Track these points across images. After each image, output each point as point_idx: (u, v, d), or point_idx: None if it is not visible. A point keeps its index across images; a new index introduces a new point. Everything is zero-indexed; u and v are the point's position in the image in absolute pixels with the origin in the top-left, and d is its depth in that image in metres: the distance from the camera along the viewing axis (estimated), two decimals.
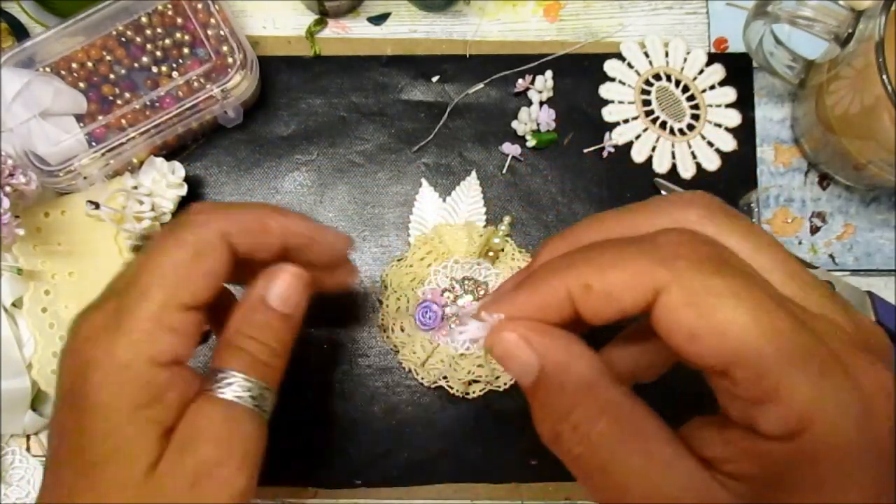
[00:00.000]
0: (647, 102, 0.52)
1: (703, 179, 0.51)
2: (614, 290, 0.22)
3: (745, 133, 0.51)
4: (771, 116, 0.52)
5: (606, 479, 0.21)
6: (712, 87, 0.52)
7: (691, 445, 0.21)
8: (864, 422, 0.18)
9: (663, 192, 0.49)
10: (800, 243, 0.51)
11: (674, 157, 0.51)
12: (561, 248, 0.26)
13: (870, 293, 0.47)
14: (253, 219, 0.32)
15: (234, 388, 0.29)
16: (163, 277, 0.29)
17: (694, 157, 0.51)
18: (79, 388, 0.27)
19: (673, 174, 0.51)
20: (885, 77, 0.40)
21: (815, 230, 0.51)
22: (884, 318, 0.46)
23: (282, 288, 0.31)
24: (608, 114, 0.51)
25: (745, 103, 0.52)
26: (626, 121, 0.51)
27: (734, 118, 0.51)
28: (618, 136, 0.51)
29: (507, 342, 0.24)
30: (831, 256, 0.51)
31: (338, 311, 0.49)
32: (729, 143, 0.51)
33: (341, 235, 0.37)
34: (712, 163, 0.51)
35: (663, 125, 0.51)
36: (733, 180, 0.51)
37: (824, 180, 0.51)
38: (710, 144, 0.51)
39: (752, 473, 0.20)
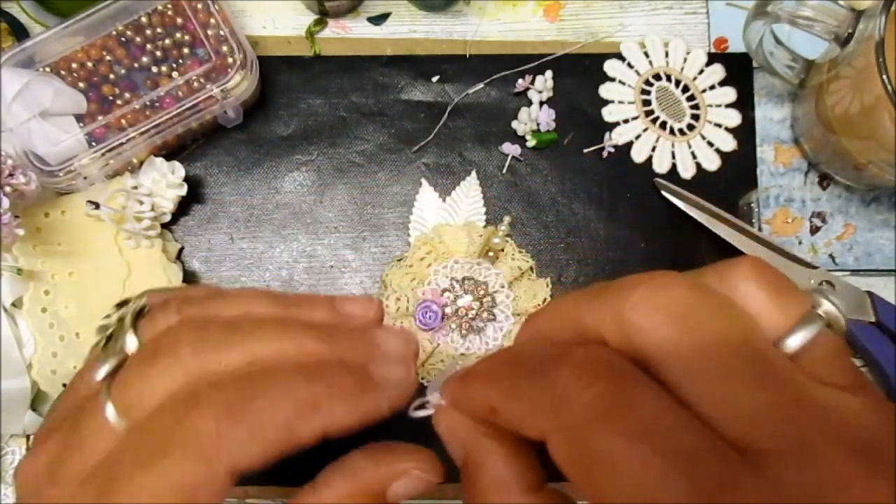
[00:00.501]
0: (647, 102, 0.52)
1: (703, 179, 0.51)
2: (514, 420, 0.21)
3: (745, 133, 0.51)
4: (771, 116, 0.52)
5: None
6: (712, 87, 0.52)
7: None
8: None
9: (664, 193, 0.49)
10: (800, 243, 0.51)
11: (674, 157, 0.51)
12: (522, 335, 0.26)
13: (870, 293, 0.47)
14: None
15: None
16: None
17: (694, 157, 0.51)
18: None
19: (673, 174, 0.51)
20: (885, 77, 0.40)
21: (815, 230, 0.51)
22: (884, 318, 0.46)
23: (406, 490, 0.27)
24: (608, 114, 0.51)
25: (745, 103, 0.52)
26: (626, 121, 0.51)
27: (734, 118, 0.51)
28: (618, 136, 0.51)
29: (441, 428, 0.25)
30: (831, 256, 0.51)
31: None
32: (729, 143, 0.51)
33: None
34: (712, 163, 0.51)
35: (663, 125, 0.51)
36: (733, 180, 0.51)
37: (824, 180, 0.51)
38: (710, 144, 0.51)
39: None
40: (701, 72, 0.52)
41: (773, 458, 0.17)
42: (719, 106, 0.52)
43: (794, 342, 0.20)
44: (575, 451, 0.19)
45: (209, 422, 0.22)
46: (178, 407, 0.23)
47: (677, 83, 0.52)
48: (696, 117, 0.52)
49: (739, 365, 0.18)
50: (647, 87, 0.52)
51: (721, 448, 0.17)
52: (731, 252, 0.49)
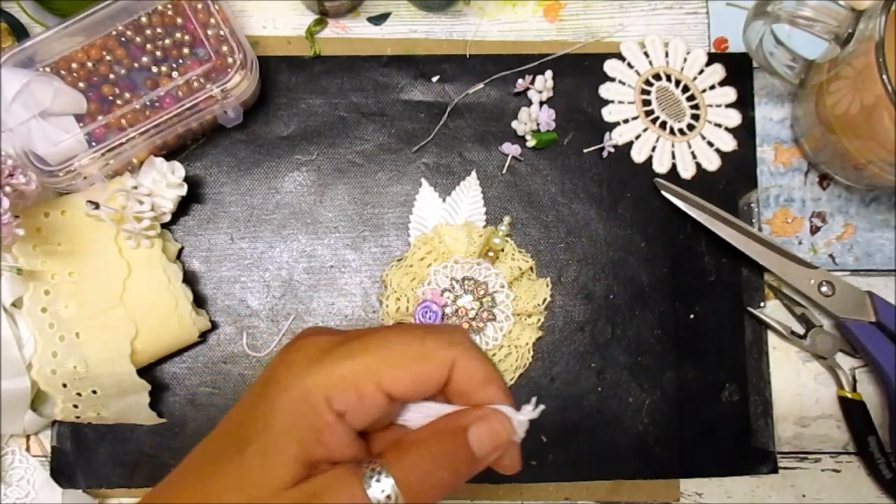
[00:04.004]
0: (647, 102, 0.52)
1: (703, 179, 0.51)
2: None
3: (745, 133, 0.51)
4: (771, 116, 0.52)
5: None
6: (712, 87, 0.52)
7: None
8: None
9: (664, 193, 0.49)
10: (800, 243, 0.51)
11: (674, 156, 0.51)
12: None
13: (870, 293, 0.47)
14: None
15: (380, 490, 0.27)
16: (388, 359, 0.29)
17: (694, 156, 0.51)
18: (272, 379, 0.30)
19: (673, 174, 0.51)
20: (885, 77, 0.40)
21: (815, 230, 0.51)
22: (884, 318, 0.47)
23: (487, 435, 0.29)
24: (608, 114, 0.51)
25: (745, 103, 0.52)
26: (626, 121, 0.51)
27: (734, 118, 0.51)
28: (618, 136, 0.51)
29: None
30: (831, 256, 0.51)
31: (338, 311, 0.49)
32: (729, 143, 0.51)
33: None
34: (712, 163, 0.51)
35: (663, 125, 0.51)
36: (733, 180, 0.51)
37: (824, 180, 0.51)
38: (710, 144, 0.51)
39: None
40: (701, 72, 0.52)
41: None
42: (719, 106, 0.52)
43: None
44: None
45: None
46: None
47: (677, 83, 0.52)
48: (696, 117, 0.52)
49: None
50: (647, 87, 0.52)
51: None
52: (730, 252, 0.49)
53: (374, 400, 0.29)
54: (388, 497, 0.27)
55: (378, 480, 0.27)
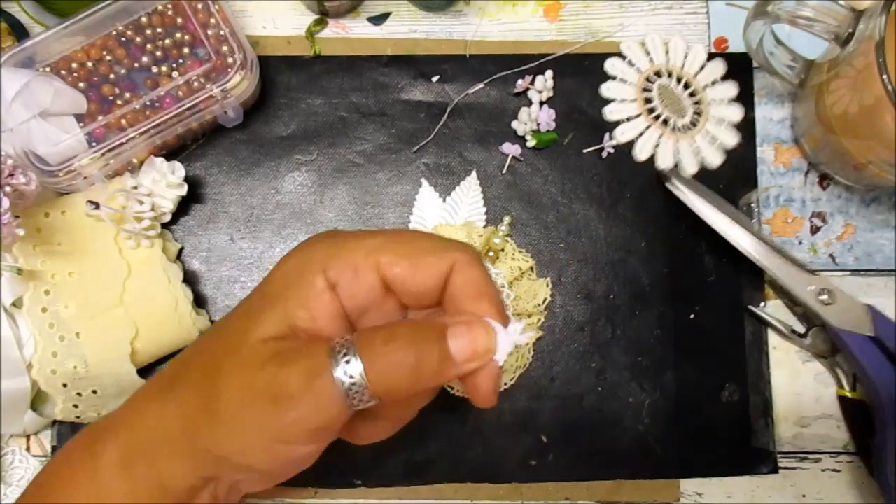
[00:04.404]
0: (648, 100, 0.51)
1: (706, 175, 0.51)
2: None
3: (746, 133, 0.51)
4: (771, 116, 0.52)
5: None
6: (713, 83, 0.52)
7: None
8: None
9: (669, 186, 0.49)
10: (800, 243, 0.51)
11: (677, 154, 0.51)
12: None
13: (870, 307, 0.47)
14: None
15: (345, 371, 0.27)
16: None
17: (697, 153, 0.51)
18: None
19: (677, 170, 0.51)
20: (885, 77, 0.40)
21: (815, 230, 0.51)
22: (883, 334, 0.46)
23: (467, 338, 0.28)
24: (610, 112, 0.51)
25: (745, 103, 0.52)
26: (628, 119, 0.51)
27: (737, 113, 0.51)
28: (620, 135, 0.51)
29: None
30: (831, 256, 0.51)
31: None
32: (732, 139, 0.51)
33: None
34: (716, 159, 0.51)
35: (665, 122, 0.51)
36: (733, 179, 0.51)
37: (824, 180, 0.51)
38: (714, 140, 0.51)
39: None
40: (702, 68, 0.52)
41: None
42: (721, 101, 0.52)
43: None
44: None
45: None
46: None
47: (678, 80, 0.52)
48: (698, 113, 0.52)
49: None
50: (649, 85, 0.52)
51: None
52: (730, 252, 0.49)
53: (368, 280, 0.29)
54: (352, 378, 0.27)
55: (347, 361, 0.27)
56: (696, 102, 0.52)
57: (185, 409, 0.28)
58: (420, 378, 0.28)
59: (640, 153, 0.51)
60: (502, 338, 0.29)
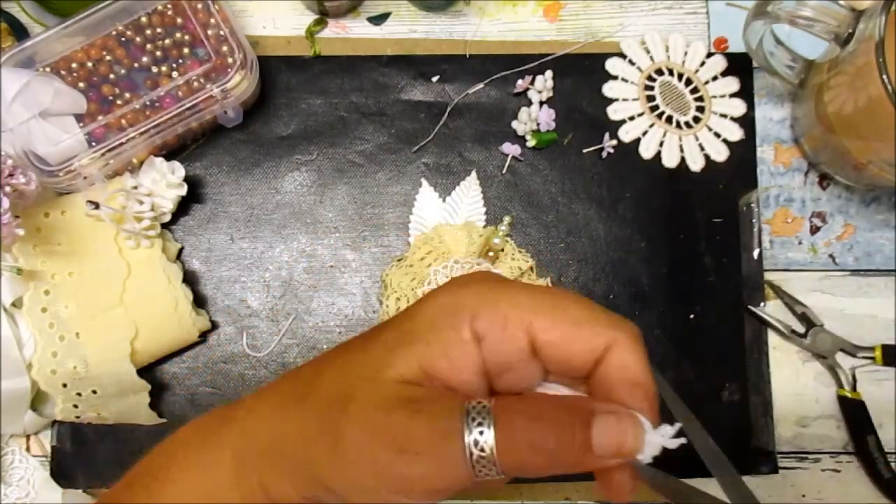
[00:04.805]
0: (651, 98, 0.51)
1: (712, 170, 0.51)
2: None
3: (746, 133, 0.51)
4: (771, 116, 0.52)
5: None
6: (715, 79, 0.52)
7: None
8: None
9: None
10: (800, 243, 0.51)
11: (682, 150, 0.51)
12: None
13: None
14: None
15: (478, 432, 0.25)
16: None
17: (702, 148, 0.51)
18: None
19: (682, 168, 0.51)
20: (885, 77, 0.40)
21: (815, 230, 0.51)
22: None
23: (614, 431, 0.26)
24: (613, 112, 0.51)
25: (745, 103, 0.52)
26: (631, 118, 0.51)
27: (739, 107, 0.51)
28: (624, 134, 0.51)
29: None
30: (831, 256, 0.51)
31: (338, 311, 0.49)
32: (735, 133, 0.51)
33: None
34: (720, 153, 0.51)
35: (669, 120, 0.51)
36: (733, 179, 0.51)
37: (824, 180, 0.51)
38: (717, 135, 0.51)
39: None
40: (702, 64, 0.52)
41: None
42: (723, 96, 0.52)
43: None
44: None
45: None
46: None
47: (680, 77, 0.52)
48: (700, 109, 0.51)
49: None
50: (650, 83, 0.52)
51: None
52: (730, 252, 0.49)
53: (517, 340, 0.27)
54: (483, 451, 0.25)
55: (480, 431, 0.25)
56: (698, 98, 0.52)
57: (308, 432, 0.27)
58: (554, 464, 0.26)
59: (646, 151, 0.51)
60: (651, 438, 0.26)
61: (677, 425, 0.26)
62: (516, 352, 0.27)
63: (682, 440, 0.25)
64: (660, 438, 0.26)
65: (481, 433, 0.25)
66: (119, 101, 0.46)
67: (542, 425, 0.25)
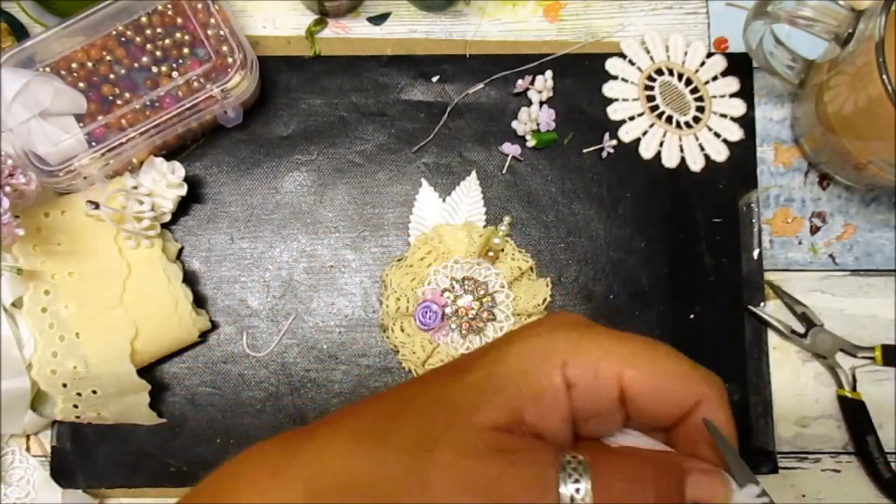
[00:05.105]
0: (651, 98, 0.51)
1: (712, 170, 0.51)
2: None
3: (746, 133, 0.51)
4: (771, 116, 0.52)
5: None
6: (715, 79, 0.52)
7: None
8: None
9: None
10: (800, 243, 0.51)
11: (682, 150, 0.51)
12: None
13: None
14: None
15: (574, 488, 0.25)
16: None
17: (702, 148, 0.51)
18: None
19: (682, 168, 0.51)
20: (885, 77, 0.40)
21: (815, 230, 0.51)
22: None
23: (706, 492, 0.26)
24: (613, 112, 0.51)
25: (745, 103, 0.52)
26: (631, 118, 0.51)
27: (739, 107, 0.51)
28: (624, 134, 0.51)
29: None
30: (831, 256, 0.51)
31: (338, 311, 0.49)
32: (735, 133, 0.51)
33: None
34: (720, 154, 0.51)
35: (669, 120, 0.51)
36: (733, 179, 0.51)
37: (824, 180, 0.51)
38: (717, 135, 0.51)
39: None
40: (702, 64, 0.52)
41: None
42: (723, 96, 0.52)
43: None
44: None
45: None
46: None
47: (679, 76, 0.52)
48: (700, 109, 0.52)
49: None
50: (650, 83, 0.52)
51: None
52: (730, 252, 0.49)
53: (607, 390, 0.27)
54: (577, 502, 0.25)
55: (577, 488, 0.25)
56: (699, 98, 0.52)
57: (393, 473, 0.27)
58: None
59: (646, 151, 0.51)
60: (737, 497, 0.26)
61: (760, 488, 0.26)
62: (606, 401, 0.27)
63: (766, 500, 0.26)
64: (746, 498, 0.26)
65: (577, 490, 0.25)
66: (119, 101, 0.46)
67: (639, 485, 0.25)
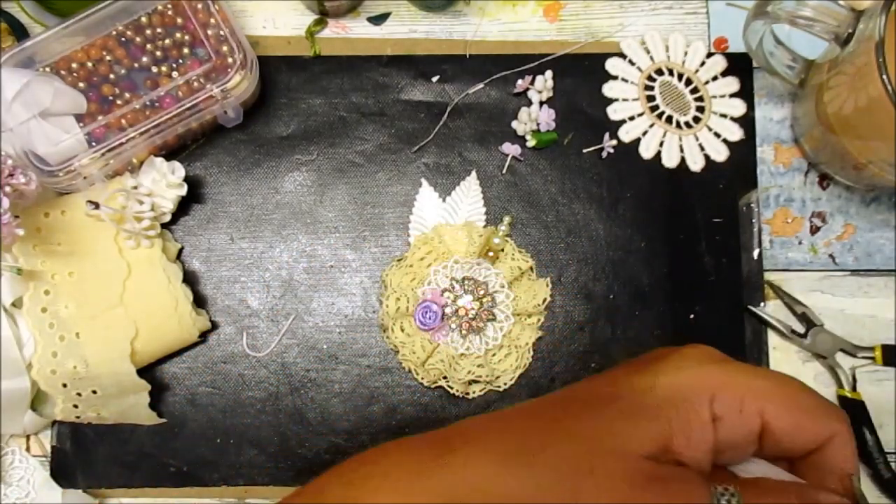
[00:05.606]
0: (651, 98, 0.51)
1: (712, 170, 0.51)
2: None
3: (746, 133, 0.51)
4: (771, 116, 0.52)
5: None
6: (715, 79, 0.52)
7: None
8: None
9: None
10: (800, 243, 0.51)
11: (682, 150, 0.51)
12: None
13: None
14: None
15: None
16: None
17: (702, 149, 0.51)
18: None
19: (682, 168, 0.51)
20: (885, 77, 0.40)
21: (815, 230, 0.51)
22: None
23: None
24: (613, 112, 0.51)
25: (745, 103, 0.52)
26: (631, 118, 0.51)
27: (739, 107, 0.51)
28: (625, 134, 0.51)
29: None
30: (831, 256, 0.51)
31: (338, 311, 0.49)
32: (735, 133, 0.51)
33: None
34: (720, 154, 0.51)
35: (669, 120, 0.51)
36: (733, 179, 0.51)
37: (824, 180, 0.51)
38: (717, 135, 0.51)
39: None
40: (702, 64, 0.52)
41: None
42: (723, 96, 0.52)
43: None
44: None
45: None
46: None
47: (680, 77, 0.52)
48: (700, 109, 0.52)
49: None
50: (650, 83, 0.52)
51: None
52: (730, 252, 0.49)
53: (750, 424, 0.28)
54: None
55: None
56: (699, 98, 0.52)
57: (549, 494, 0.27)
58: None
59: (646, 151, 0.51)
60: None
61: None
62: (747, 434, 0.28)
63: None
64: None
65: None
66: (119, 101, 0.46)
67: None
